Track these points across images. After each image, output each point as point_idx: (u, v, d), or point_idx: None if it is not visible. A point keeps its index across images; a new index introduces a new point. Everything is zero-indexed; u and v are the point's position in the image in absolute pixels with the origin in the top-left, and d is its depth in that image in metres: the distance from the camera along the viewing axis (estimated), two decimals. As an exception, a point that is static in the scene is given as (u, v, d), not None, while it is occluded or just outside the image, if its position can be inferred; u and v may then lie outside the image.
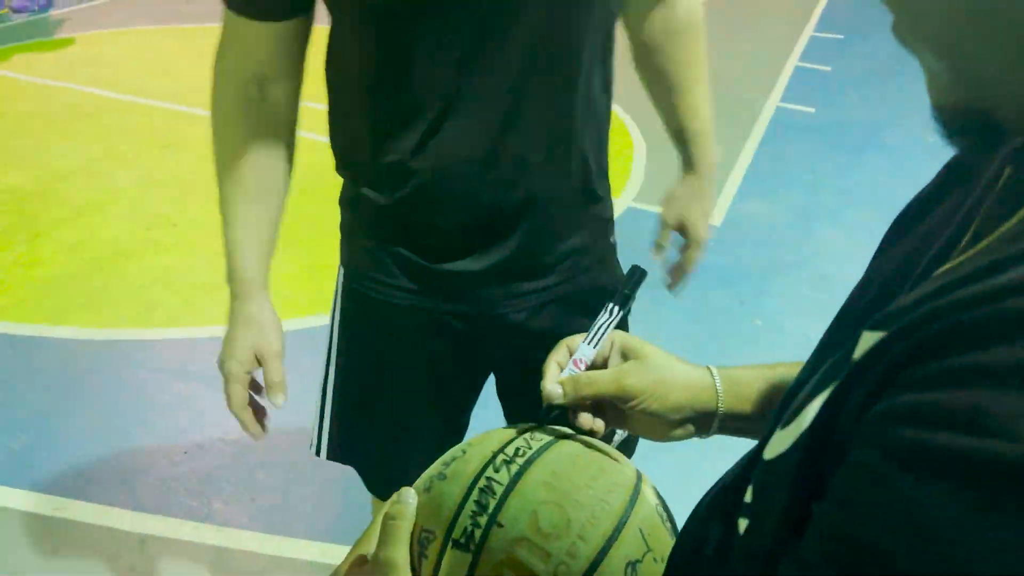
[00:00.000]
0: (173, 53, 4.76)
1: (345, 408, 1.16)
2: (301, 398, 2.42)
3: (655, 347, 0.68)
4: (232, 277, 1.02)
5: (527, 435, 0.60)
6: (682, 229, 1.18)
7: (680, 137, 1.16)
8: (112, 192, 3.19)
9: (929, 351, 0.30)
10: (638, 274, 0.72)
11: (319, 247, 2.87)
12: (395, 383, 1.11)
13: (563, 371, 0.67)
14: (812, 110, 4.41)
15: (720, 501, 0.48)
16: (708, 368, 0.68)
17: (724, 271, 2.86)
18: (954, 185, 0.48)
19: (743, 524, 0.40)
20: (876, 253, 0.53)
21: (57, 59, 4.55)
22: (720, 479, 0.51)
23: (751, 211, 3.30)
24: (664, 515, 0.60)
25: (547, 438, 0.60)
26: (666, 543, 0.57)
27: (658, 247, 1.19)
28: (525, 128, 0.90)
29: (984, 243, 0.36)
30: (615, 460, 0.61)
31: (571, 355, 0.68)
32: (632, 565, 0.54)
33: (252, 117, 0.97)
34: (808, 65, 5.13)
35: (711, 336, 2.55)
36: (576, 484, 0.56)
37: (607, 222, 1.09)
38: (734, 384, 0.67)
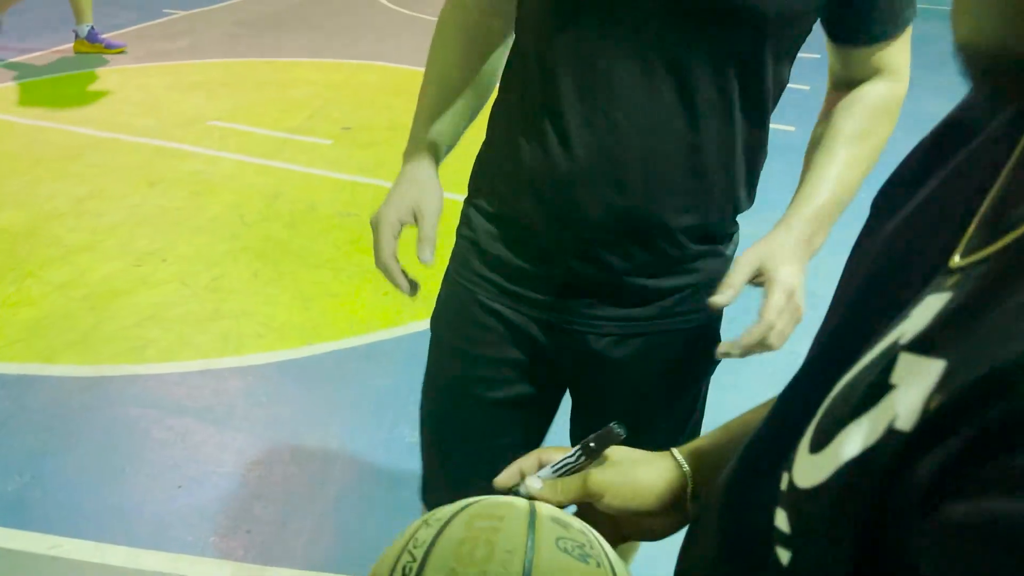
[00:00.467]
0: (157, 91, 4.80)
1: (430, 404, 1.18)
2: (294, 430, 2.43)
3: (620, 447, 0.68)
4: (409, 139, 1.11)
5: (409, 546, 0.58)
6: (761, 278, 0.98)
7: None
8: (101, 230, 3.19)
9: None
10: (613, 436, 0.67)
11: (307, 279, 2.88)
12: (474, 382, 1.11)
13: (523, 481, 0.68)
14: (793, 128, 4.46)
15: (737, 521, 0.45)
16: (670, 452, 0.67)
17: (712, 290, 2.89)
18: (948, 154, 0.44)
19: (784, 555, 0.37)
20: (862, 237, 0.50)
21: (43, 99, 4.57)
22: (730, 485, 0.49)
23: (740, 235, 3.33)
24: (571, 544, 0.57)
25: (427, 538, 0.57)
26: (579, 570, 0.56)
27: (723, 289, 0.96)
28: (662, 153, 0.91)
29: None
30: (502, 515, 0.58)
31: (539, 467, 0.69)
32: None
33: (471, 30, 1.08)
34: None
35: (701, 355, 2.57)
36: (470, 574, 0.54)
37: (729, 260, 1.05)
38: (698, 459, 0.65)
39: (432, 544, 0.56)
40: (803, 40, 0.93)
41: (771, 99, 0.94)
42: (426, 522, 0.59)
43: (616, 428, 0.68)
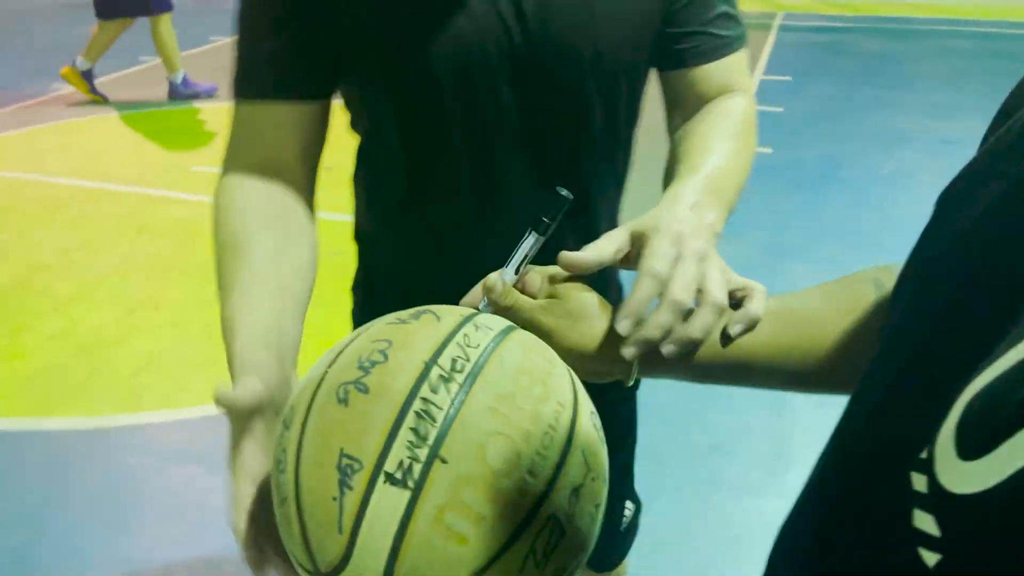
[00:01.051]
0: (138, 138, 4.82)
1: None
2: None
3: (582, 291, 0.66)
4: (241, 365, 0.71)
5: (460, 339, 0.52)
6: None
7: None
8: (91, 280, 3.19)
9: None
10: (560, 200, 0.66)
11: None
12: None
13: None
14: (770, 150, 4.55)
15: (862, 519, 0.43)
16: None
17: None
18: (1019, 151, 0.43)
19: (932, 557, 0.36)
20: (932, 232, 0.49)
21: (25, 151, 4.57)
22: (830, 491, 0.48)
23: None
24: (597, 421, 0.55)
25: (483, 343, 0.52)
26: (601, 456, 0.53)
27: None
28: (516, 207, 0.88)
29: None
30: (552, 365, 0.54)
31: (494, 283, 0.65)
32: (576, 491, 0.50)
33: (261, 198, 0.86)
34: (761, 108, 5.30)
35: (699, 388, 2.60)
36: (524, 411, 0.49)
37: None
38: None
39: (490, 353, 0.52)
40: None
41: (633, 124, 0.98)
42: (472, 322, 0.54)
43: (561, 192, 0.66)
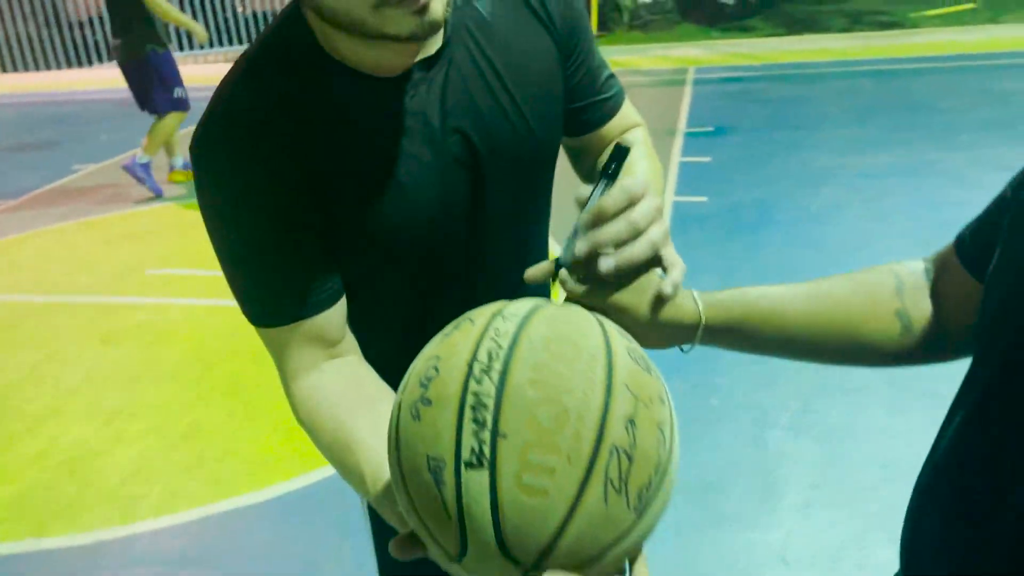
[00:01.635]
0: (86, 248, 4.80)
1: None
2: (309, 561, 2.46)
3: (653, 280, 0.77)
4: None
5: (491, 334, 0.60)
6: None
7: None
8: (62, 395, 3.17)
9: None
10: (623, 152, 0.76)
11: (284, 410, 2.92)
12: None
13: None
14: (704, 199, 4.79)
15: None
16: (690, 291, 0.80)
17: (668, 360, 3.06)
18: None
19: None
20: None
21: (-31, 273, 4.51)
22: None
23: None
24: (636, 355, 0.62)
25: (511, 330, 0.60)
26: (648, 383, 0.60)
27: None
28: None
29: None
30: (579, 323, 0.63)
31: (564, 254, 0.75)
32: (631, 421, 0.57)
33: (337, 389, 0.88)
34: (690, 159, 5.59)
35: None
36: (560, 373, 0.57)
37: None
38: (713, 299, 0.80)
39: (517, 336, 0.59)
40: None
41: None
42: (500, 315, 0.62)
43: (622, 145, 0.77)
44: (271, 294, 0.88)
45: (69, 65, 13.20)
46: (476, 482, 0.56)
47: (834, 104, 6.88)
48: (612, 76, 1.10)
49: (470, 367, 0.58)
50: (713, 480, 2.44)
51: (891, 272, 0.83)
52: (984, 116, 6.07)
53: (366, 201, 0.87)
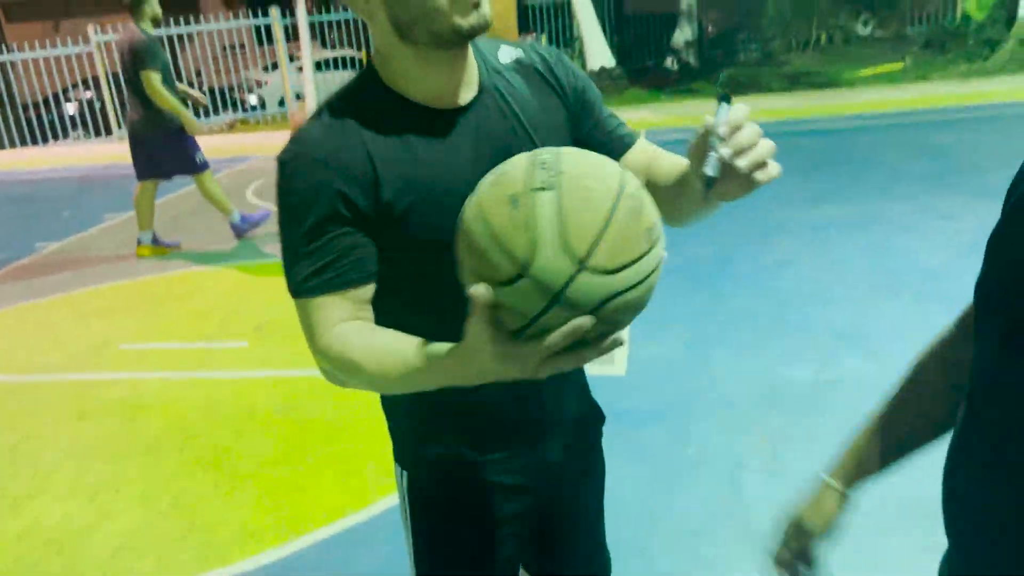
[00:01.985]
0: (57, 325, 4.79)
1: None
2: None
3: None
4: (432, 362, 0.97)
5: (538, 162, 0.88)
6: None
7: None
8: (43, 473, 3.15)
9: None
10: (727, 96, 1.02)
11: (268, 478, 2.96)
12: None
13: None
14: (665, 254, 4.97)
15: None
16: (825, 482, 1.18)
17: (645, 414, 3.17)
18: None
19: None
20: (1004, 229, 0.82)
21: (-65, 355, 4.46)
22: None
23: (650, 355, 3.68)
24: (639, 186, 0.91)
25: (551, 158, 0.88)
26: (645, 193, 0.90)
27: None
28: None
29: None
30: (597, 165, 0.91)
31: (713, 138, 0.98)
32: (637, 190, 0.88)
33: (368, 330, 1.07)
34: (648, 218, 5.79)
35: (654, 474, 2.81)
36: (594, 161, 0.90)
37: None
38: (848, 475, 1.17)
39: (559, 161, 0.87)
40: None
41: None
42: (539, 156, 0.89)
43: (724, 87, 1.12)
44: (328, 267, 1.07)
45: (24, 144, 13.17)
46: (546, 198, 0.83)
47: (781, 161, 7.12)
48: (623, 122, 1.29)
49: (531, 159, 0.88)
50: (696, 527, 2.53)
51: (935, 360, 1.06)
52: (921, 168, 6.42)
53: (413, 206, 1.09)
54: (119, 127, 13.25)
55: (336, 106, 1.11)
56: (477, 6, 1.04)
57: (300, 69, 13.13)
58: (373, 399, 1.33)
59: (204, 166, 5.88)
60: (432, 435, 1.28)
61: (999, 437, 0.81)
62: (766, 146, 0.98)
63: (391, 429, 1.35)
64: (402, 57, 1.09)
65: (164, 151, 5.70)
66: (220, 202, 6.06)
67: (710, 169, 0.96)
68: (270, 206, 7.05)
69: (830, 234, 5.06)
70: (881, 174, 6.40)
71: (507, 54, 1.21)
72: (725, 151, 0.96)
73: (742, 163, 0.96)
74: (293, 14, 11.85)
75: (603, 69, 13.23)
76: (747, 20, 15.88)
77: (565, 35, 14.91)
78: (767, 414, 3.11)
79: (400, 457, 1.33)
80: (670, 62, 14.41)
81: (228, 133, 12.32)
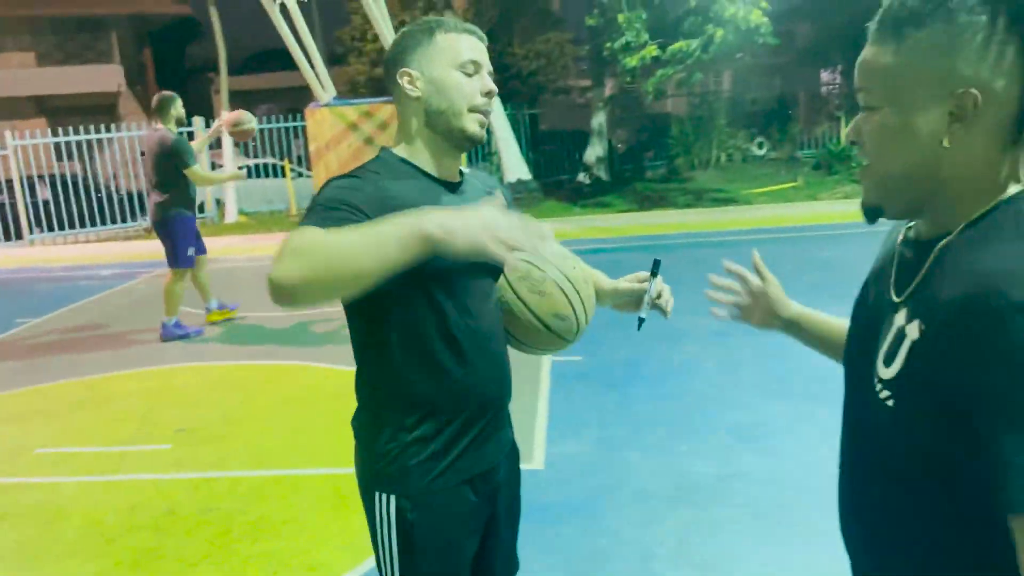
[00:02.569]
0: (-35, 430, 4.68)
1: None
2: None
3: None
4: (401, 229, 1.22)
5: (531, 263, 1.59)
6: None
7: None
8: (-46, 580, 3.09)
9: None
10: (658, 261, 1.72)
11: (196, 577, 2.98)
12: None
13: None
14: (580, 358, 5.25)
15: (855, 385, 1.10)
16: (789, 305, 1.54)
17: (560, 507, 3.36)
18: (875, 278, 1.12)
19: (886, 396, 0.98)
20: (857, 301, 1.15)
21: None
22: (848, 370, 1.14)
23: (566, 452, 3.89)
24: (571, 278, 1.64)
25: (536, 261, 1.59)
26: (571, 290, 1.63)
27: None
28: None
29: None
30: (543, 271, 1.61)
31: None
32: (568, 277, 1.60)
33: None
34: (563, 324, 6.09)
35: (567, 564, 2.97)
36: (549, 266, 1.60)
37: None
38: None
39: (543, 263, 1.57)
40: None
41: None
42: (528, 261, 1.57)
43: (657, 258, 1.62)
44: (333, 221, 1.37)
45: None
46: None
47: (685, 271, 7.64)
48: None
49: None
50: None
51: None
52: (812, 279, 6.96)
53: None
54: (30, 231, 13.05)
55: (367, 166, 1.55)
56: (483, 125, 1.58)
57: (222, 176, 13.36)
58: (297, 499, 1.52)
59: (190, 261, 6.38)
60: (422, 427, 1.55)
61: (849, 473, 1.11)
62: (671, 297, 1.74)
63: (369, 456, 1.60)
64: (423, 139, 1.58)
65: (186, 238, 6.27)
66: (175, 299, 6.38)
67: (643, 313, 1.67)
68: (190, 310, 7.10)
69: (730, 340, 5.44)
70: (776, 284, 6.91)
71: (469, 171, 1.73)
72: (652, 306, 1.69)
73: (662, 308, 1.74)
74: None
75: (520, 181, 13.85)
76: (653, 139, 16.95)
77: (483, 148, 15.59)
78: (675, 507, 3.33)
79: (384, 482, 1.57)
80: (583, 176, 15.22)
81: (146, 239, 12.27)
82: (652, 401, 4.54)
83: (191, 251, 6.32)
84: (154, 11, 23.27)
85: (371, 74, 20.66)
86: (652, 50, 11.14)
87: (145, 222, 12.91)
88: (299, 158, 14.53)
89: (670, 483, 3.53)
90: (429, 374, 1.53)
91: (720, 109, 17.18)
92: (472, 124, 1.55)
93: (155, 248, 11.24)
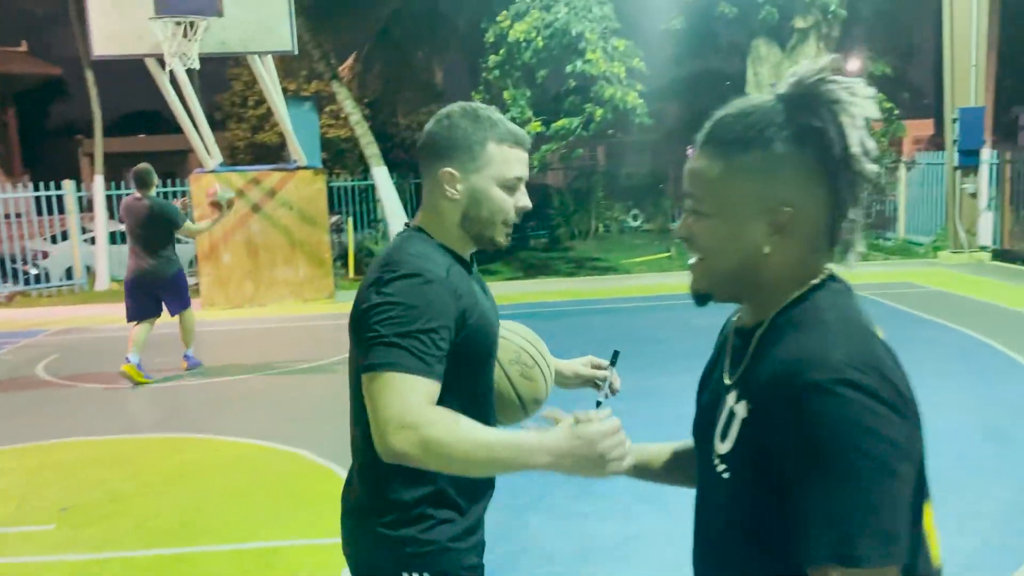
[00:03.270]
0: None
1: None
2: None
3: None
4: (533, 451, 1.34)
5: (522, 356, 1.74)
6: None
7: None
8: None
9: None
10: (616, 353, 1.81)
11: None
12: None
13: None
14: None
15: (701, 461, 1.22)
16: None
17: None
18: (714, 363, 1.28)
19: (722, 469, 1.11)
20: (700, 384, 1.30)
21: None
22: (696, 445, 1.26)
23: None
24: (529, 366, 1.75)
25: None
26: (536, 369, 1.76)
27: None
28: None
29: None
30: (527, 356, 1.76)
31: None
32: (532, 366, 1.74)
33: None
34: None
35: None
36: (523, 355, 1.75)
37: None
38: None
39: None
40: None
41: None
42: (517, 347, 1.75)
43: (616, 350, 1.79)
44: (428, 354, 1.44)
45: None
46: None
47: (569, 338, 7.92)
48: None
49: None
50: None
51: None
52: (689, 346, 7.32)
53: (472, 315, 1.56)
54: None
55: (420, 252, 1.55)
56: (509, 235, 1.62)
57: (92, 241, 12.78)
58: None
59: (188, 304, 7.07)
60: (437, 512, 1.59)
61: (696, 540, 1.24)
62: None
63: (388, 534, 1.57)
64: (455, 230, 1.60)
65: (171, 292, 6.83)
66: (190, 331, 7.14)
67: (601, 397, 1.74)
68: (66, 382, 6.76)
69: (616, 404, 5.64)
70: (658, 350, 7.23)
71: None
72: (608, 390, 1.81)
73: (617, 387, 1.85)
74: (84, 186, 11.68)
75: (405, 250, 13.89)
76: (535, 210, 17.44)
77: (370, 216, 15.63)
78: (581, 569, 3.44)
79: (414, 563, 1.57)
80: (467, 245, 15.40)
81: (7, 307, 11.52)
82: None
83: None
84: (22, 71, 22.30)
85: (252, 140, 20.46)
86: (536, 126, 11.60)
87: (8, 288, 12.14)
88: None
89: (575, 546, 3.64)
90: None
91: (598, 182, 17.95)
92: (501, 235, 1.60)
93: (24, 316, 10.59)
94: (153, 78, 9.48)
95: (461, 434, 1.34)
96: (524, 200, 1.60)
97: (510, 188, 1.57)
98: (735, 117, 1.11)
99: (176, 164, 23.95)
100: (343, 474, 4.50)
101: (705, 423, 1.19)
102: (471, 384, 1.59)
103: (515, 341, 1.75)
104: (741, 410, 1.09)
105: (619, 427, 1.32)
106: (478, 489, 1.63)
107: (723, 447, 1.11)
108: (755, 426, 1.06)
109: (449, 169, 1.54)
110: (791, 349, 1.04)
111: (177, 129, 10.73)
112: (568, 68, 11.32)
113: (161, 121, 31.90)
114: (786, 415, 0.99)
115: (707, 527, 1.20)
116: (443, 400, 1.42)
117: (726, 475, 1.10)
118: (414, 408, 1.35)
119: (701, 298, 1.20)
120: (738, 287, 1.15)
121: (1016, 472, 4.31)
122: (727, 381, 1.16)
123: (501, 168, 1.55)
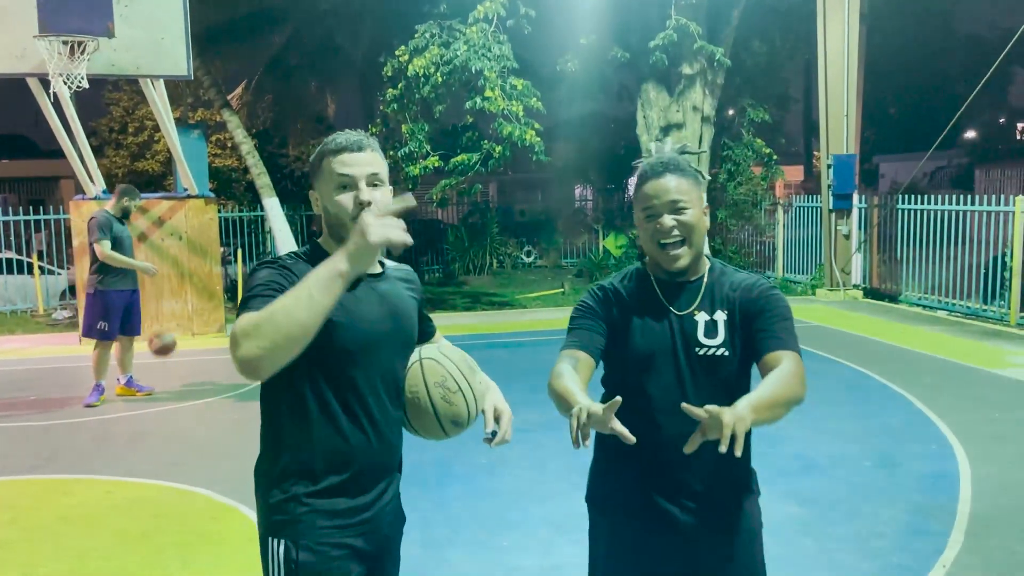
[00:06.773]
0: None
1: None
2: None
3: None
4: (326, 264, 1.55)
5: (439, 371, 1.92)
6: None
7: None
8: None
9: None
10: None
11: None
12: None
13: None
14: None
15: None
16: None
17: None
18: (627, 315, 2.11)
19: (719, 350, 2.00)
20: None
21: None
22: None
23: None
24: (451, 390, 1.91)
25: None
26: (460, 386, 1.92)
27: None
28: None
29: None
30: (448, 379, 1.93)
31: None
32: (451, 387, 1.91)
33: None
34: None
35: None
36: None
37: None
38: None
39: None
40: None
41: None
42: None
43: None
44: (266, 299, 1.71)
45: None
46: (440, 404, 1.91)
47: (492, 369, 7.93)
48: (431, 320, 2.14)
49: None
50: None
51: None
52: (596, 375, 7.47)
53: (337, 323, 1.72)
54: None
55: (296, 252, 1.83)
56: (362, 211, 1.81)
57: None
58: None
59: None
60: (314, 480, 1.76)
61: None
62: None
63: (267, 504, 1.78)
64: (332, 238, 1.83)
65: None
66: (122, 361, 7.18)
67: (489, 432, 1.97)
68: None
69: (533, 436, 5.67)
70: (563, 383, 7.32)
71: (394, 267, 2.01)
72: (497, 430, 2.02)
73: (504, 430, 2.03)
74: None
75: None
76: (429, 244, 17.45)
77: (259, 248, 15.21)
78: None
79: (276, 526, 1.75)
80: (361, 279, 15.19)
81: None
82: (468, 499, 4.62)
83: (103, 324, 6.87)
84: None
85: (132, 167, 19.57)
86: (435, 160, 11.61)
87: None
88: (40, 253, 13.16)
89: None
90: (331, 435, 1.77)
91: (492, 218, 18.12)
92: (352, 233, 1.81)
93: None
94: (34, 99, 8.96)
95: (265, 310, 1.55)
96: (364, 195, 1.76)
97: (345, 187, 1.77)
98: (678, 159, 2.03)
99: (47, 191, 22.62)
100: (245, 510, 4.33)
101: (665, 345, 1.96)
102: (331, 376, 1.76)
103: (445, 365, 1.93)
104: (720, 316, 1.96)
105: (384, 212, 1.56)
106: (341, 458, 1.77)
107: (715, 340, 1.94)
108: (738, 316, 1.96)
109: (312, 192, 1.85)
110: (742, 278, 2.02)
111: (46, 154, 10.14)
112: (467, 104, 11.42)
113: (27, 145, 30.09)
114: (759, 303, 1.96)
115: (700, 401, 1.68)
116: (301, 393, 1.76)
117: (726, 352, 1.94)
118: (236, 323, 1.58)
119: (685, 271, 1.99)
120: (698, 256, 2.00)
121: (904, 495, 4.57)
122: (681, 312, 1.97)
123: (332, 176, 1.78)
